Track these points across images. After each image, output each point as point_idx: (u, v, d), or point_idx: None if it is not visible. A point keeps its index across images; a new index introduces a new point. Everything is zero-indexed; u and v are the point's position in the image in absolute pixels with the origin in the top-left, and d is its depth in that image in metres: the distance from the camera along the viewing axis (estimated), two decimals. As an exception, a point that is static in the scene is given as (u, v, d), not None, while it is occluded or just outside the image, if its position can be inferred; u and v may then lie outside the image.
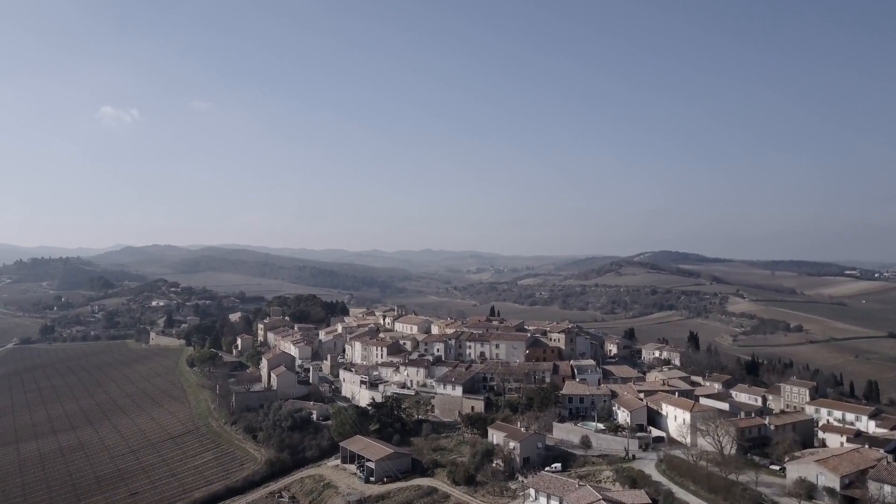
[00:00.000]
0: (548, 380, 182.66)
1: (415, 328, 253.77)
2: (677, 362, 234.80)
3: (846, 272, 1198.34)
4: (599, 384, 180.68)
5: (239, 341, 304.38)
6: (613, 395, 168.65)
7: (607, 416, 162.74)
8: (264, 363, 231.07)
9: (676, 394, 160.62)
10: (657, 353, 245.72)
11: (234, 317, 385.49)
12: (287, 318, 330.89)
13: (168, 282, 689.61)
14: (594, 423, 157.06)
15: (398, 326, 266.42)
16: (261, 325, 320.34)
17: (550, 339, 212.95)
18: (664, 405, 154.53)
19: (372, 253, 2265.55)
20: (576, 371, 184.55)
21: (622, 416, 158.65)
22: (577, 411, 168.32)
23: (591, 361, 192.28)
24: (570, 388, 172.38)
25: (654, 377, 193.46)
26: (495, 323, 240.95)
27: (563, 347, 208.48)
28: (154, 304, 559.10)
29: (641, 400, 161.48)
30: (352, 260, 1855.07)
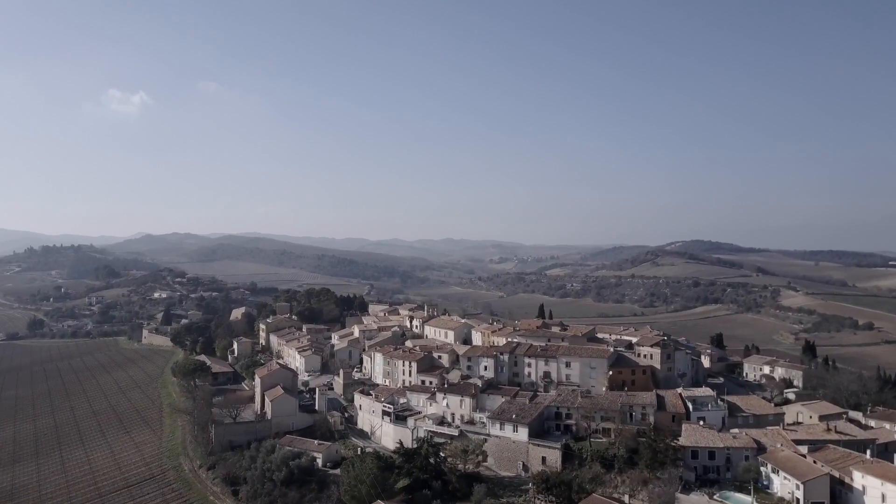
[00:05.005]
0: (651, 419, 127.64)
1: (451, 335, 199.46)
2: (799, 382, 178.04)
3: (890, 263, 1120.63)
4: (724, 425, 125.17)
5: (236, 345, 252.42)
6: (759, 448, 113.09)
7: (753, 483, 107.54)
8: (257, 382, 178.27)
9: (869, 453, 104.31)
10: (768, 370, 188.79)
11: (238, 313, 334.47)
12: (294, 316, 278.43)
13: (174, 271, 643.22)
14: (746, 498, 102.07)
15: (429, 331, 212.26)
16: (262, 326, 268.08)
17: (639, 355, 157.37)
18: (856, 473, 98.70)
19: (392, 242, 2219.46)
20: (690, 406, 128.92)
21: (781, 485, 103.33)
22: (705, 472, 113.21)
23: (709, 391, 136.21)
24: (691, 435, 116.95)
25: (796, 413, 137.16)
26: (556, 330, 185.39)
27: (657, 367, 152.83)
28: (156, 295, 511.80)
29: (806, 458, 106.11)
30: (372, 249, 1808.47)
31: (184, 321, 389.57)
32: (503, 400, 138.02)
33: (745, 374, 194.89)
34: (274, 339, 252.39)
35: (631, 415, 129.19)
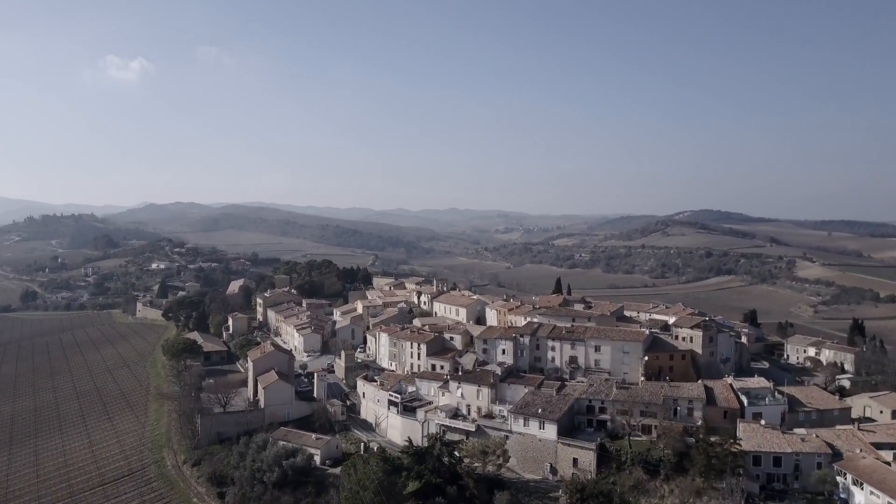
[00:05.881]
0: (697, 414, 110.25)
1: (462, 312, 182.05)
2: (850, 367, 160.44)
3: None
4: (783, 422, 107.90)
5: (231, 322, 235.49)
6: (833, 453, 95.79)
7: (830, 496, 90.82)
8: (250, 365, 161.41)
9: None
10: (813, 352, 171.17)
11: (235, 285, 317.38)
12: (294, 290, 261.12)
13: (173, 241, 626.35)
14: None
15: (438, 308, 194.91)
16: (259, 301, 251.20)
17: (676, 338, 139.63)
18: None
19: (397, 212, 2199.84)
20: (745, 400, 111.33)
21: (867, 502, 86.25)
22: (769, 482, 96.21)
23: (765, 382, 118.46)
24: (752, 436, 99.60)
25: (863, 406, 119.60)
26: (580, 308, 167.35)
27: (698, 351, 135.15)
28: (154, 266, 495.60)
29: (891, 466, 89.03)
30: (376, 219, 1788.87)
31: (181, 293, 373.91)
32: (526, 391, 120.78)
33: (786, 357, 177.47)
34: (272, 314, 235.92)
35: (675, 410, 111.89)
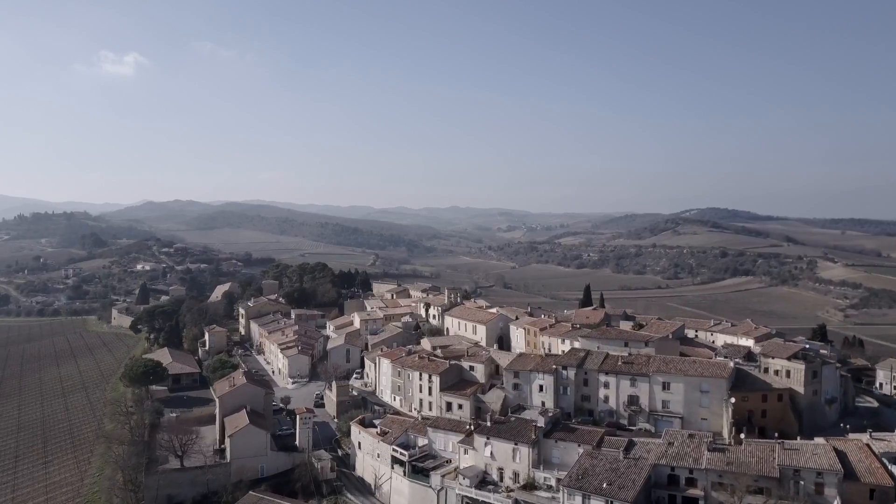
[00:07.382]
0: (830, 492, 77.78)
1: (481, 330, 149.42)
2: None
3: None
4: (951, 503, 75.45)
5: (207, 336, 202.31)
6: None
7: None
8: (217, 402, 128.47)
9: None
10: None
11: (219, 291, 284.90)
12: (282, 299, 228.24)
13: (162, 240, 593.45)
14: None
15: (451, 323, 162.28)
16: (242, 311, 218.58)
17: (766, 371, 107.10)
18: None
19: (398, 210, 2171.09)
20: (892, 468, 78.84)
21: None
22: None
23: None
24: (934, 541, 67.12)
25: None
26: (628, 328, 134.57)
27: (799, 390, 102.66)
28: (139, 267, 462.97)
29: None
30: (377, 217, 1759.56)
31: (163, 298, 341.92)
32: (581, 451, 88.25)
33: (877, 386, 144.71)
34: (255, 327, 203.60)
35: (797, 483, 79.47)
